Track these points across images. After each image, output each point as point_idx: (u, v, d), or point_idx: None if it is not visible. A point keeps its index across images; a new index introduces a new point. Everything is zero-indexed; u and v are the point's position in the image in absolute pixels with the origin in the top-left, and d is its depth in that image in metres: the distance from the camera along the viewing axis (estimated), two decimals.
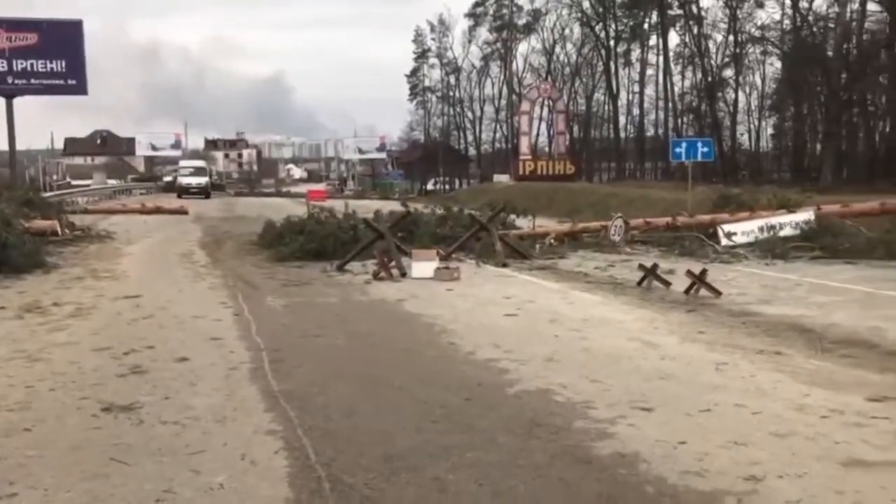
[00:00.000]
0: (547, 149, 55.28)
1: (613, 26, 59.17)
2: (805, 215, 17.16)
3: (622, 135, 61.96)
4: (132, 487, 3.82)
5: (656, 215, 20.06)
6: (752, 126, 58.82)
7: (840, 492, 3.67)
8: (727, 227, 17.03)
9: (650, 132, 61.36)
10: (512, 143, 67.13)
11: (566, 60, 65.85)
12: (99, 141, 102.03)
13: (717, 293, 9.49)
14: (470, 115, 74.42)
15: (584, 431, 4.60)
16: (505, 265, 12.83)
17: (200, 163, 56.49)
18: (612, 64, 59.15)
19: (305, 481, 3.88)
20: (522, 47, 67.90)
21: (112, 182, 61.39)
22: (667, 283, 10.22)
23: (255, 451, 4.32)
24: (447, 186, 75.04)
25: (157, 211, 28.15)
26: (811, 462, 4.04)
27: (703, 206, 21.79)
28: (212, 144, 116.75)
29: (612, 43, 58.61)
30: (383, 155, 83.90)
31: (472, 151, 77.04)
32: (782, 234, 16.57)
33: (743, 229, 17.05)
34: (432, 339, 7.27)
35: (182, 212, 28.32)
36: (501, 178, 49.27)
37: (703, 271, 9.78)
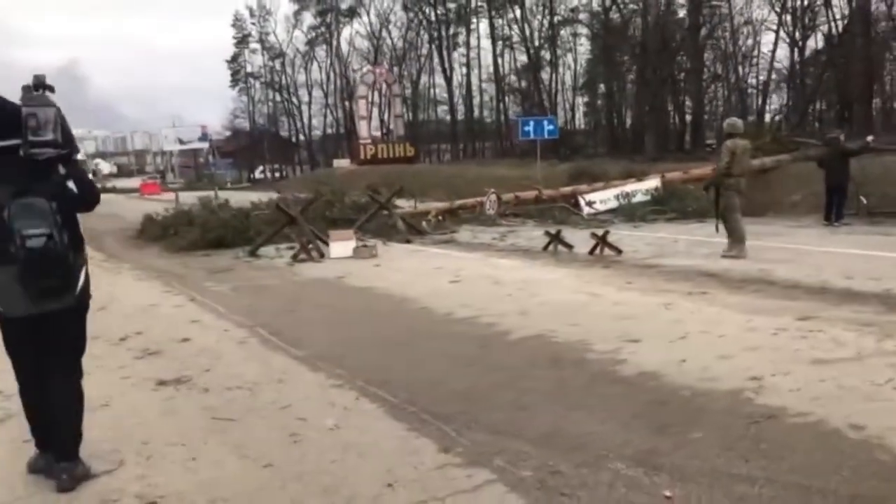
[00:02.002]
0: (380, 132, 56.11)
1: (441, 9, 60.68)
2: (653, 182, 19.18)
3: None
4: (259, 436, 4.30)
5: (511, 191, 21.25)
6: (566, 104, 62.45)
7: (822, 380, 4.80)
8: (588, 197, 18.75)
9: (478, 113, 63.74)
10: (346, 127, 67.40)
11: (391, 44, 66.95)
12: None
13: (619, 251, 10.77)
14: (296, 101, 73.69)
15: (598, 361, 5.51)
16: (409, 241, 13.60)
17: None
18: (443, 46, 60.79)
19: (405, 416, 4.52)
20: (346, 32, 68.23)
21: None
22: (570, 247, 11.40)
23: (338, 400, 4.88)
24: (276, 174, 74.12)
25: None
26: (788, 364, 5.16)
27: (551, 180, 23.55)
28: None
29: (441, 27, 60.17)
30: (206, 145, 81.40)
31: (301, 138, 76.27)
32: (635, 200, 18.47)
33: (601, 198, 18.82)
34: (402, 306, 7.93)
35: None
36: (342, 163, 49.50)
37: (606, 233, 11.05)
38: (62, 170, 3.61)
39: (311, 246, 11.86)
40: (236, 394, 5.14)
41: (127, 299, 8.87)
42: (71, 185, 3.64)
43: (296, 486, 3.62)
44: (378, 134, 54.12)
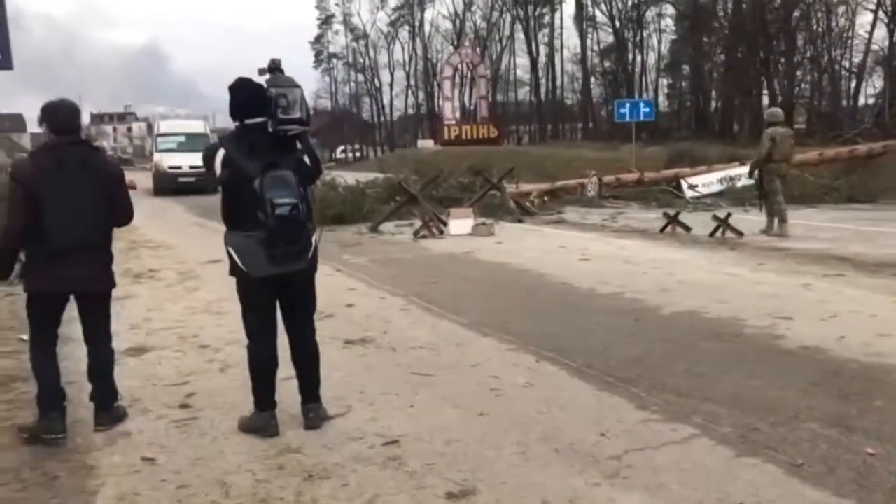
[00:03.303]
0: (460, 114, 56.39)
1: None
2: None
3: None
4: (462, 389, 4.74)
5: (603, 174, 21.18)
6: (649, 86, 61.52)
7: None
8: (690, 180, 18.71)
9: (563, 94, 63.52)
10: (428, 108, 67.95)
11: (473, 25, 67.11)
12: None
13: (740, 234, 10.90)
14: (377, 82, 74.57)
15: (758, 335, 5.79)
16: (521, 220, 13.95)
17: (195, 124, 28.90)
18: (529, 27, 60.71)
19: (590, 378, 4.89)
20: (429, 13, 68.66)
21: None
22: (688, 228, 11.58)
23: (520, 362, 5.30)
24: (356, 154, 75.30)
25: None
26: None
27: (642, 163, 23.51)
28: (98, 119, 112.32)
29: (528, 7, 60.05)
30: None
31: (381, 119, 77.20)
32: (739, 184, 18.34)
33: (704, 181, 18.79)
34: (542, 281, 8.31)
35: (131, 186, 27.86)
36: (426, 144, 50.05)
37: (728, 215, 11.19)
38: (299, 145, 4.02)
39: (431, 223, 12.32)
40: (421, 353, 5.61)
41: None
42: (305, 158, 4.05)
43: (516, 432, 4.05)
44: (459, 115, 54.48)
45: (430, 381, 4.95)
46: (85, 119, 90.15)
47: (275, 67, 3.98)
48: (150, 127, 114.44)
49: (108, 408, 4.31)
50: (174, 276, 9.19)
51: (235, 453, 3.86)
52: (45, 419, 4.04)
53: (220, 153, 3.93)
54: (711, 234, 11.00)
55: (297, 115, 3.89)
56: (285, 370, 4.25)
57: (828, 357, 5.17)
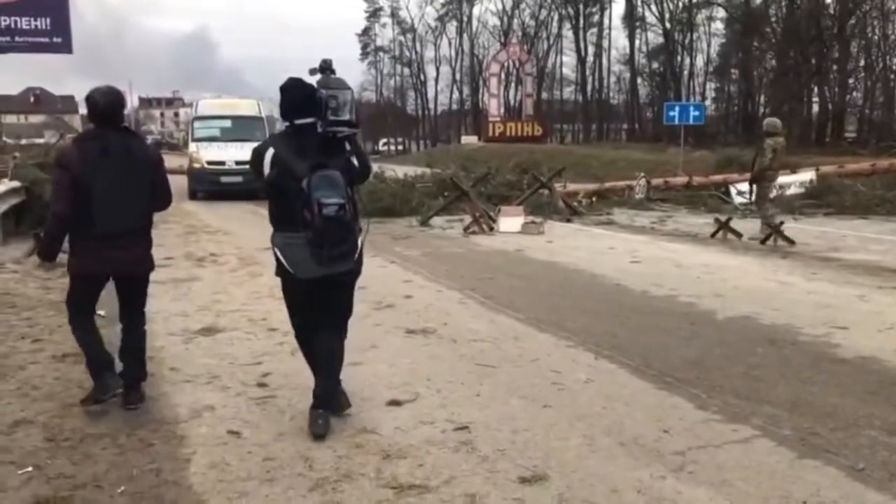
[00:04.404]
0: (504, 111, 56.42)
1: None
2: (808, 175, 18.86)
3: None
4: (525, 382, 4.91)
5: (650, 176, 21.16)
6: (696, 89, 60.93)
7: None
8: (739, 186, 18.58)
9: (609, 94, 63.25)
10: (472, 104, 68.10)
11: (521, 23, 67.08)
12: (32, 99, 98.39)
13: (791, 242, 10.90)
14: (422, 76, 74.89)
15: (814, 343, 5.86)
16: (569, 220, 14.06)
17: (245, 104, 21.43)
18: (578, 26, 60.56)
19: (649, 377, 5.03)
20: (476, 9, 68.75)
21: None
22: (739, 235, 11.60)
23: (579, 359, 5.45)
24: (398, 147, 75.70)
25: None
26: None
27: (689, 166, 23.43)
28: (146, 103, 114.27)
29: (580, 5, 59.90)
30: None
31: (425, 113, 77.49)
32: (789, 192, 18.20)
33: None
34: (595, 281, 8.44)
35: (181, 171, 27.99)
36: (470, 140, 50.23)
37: (781, 223, 11.19)
38: (348, 146, 4.01)
39: (482, 219, 12.49)
40: (482, 345, 5.79)
41: None
42: (353, 160, 4.03)
43: (581, 424, 4.21)
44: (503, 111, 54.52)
45: (493, 372, 5.13)
46: (134, 103, 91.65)
47: (326, 68, 3.97)
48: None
49: (138, 387, 4.42)
50: (235, 262, 9.48)
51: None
52: (99, 382, 4.28)
53: (270, 152, 3.93)
54: (763, 242, 11.01)
55: (346, 116, 3.89)
56: (352, 355, 4.43)
57: (884, 368, 5.24)
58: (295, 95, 3.95)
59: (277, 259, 4.00)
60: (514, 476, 3.55)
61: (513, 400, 4.60)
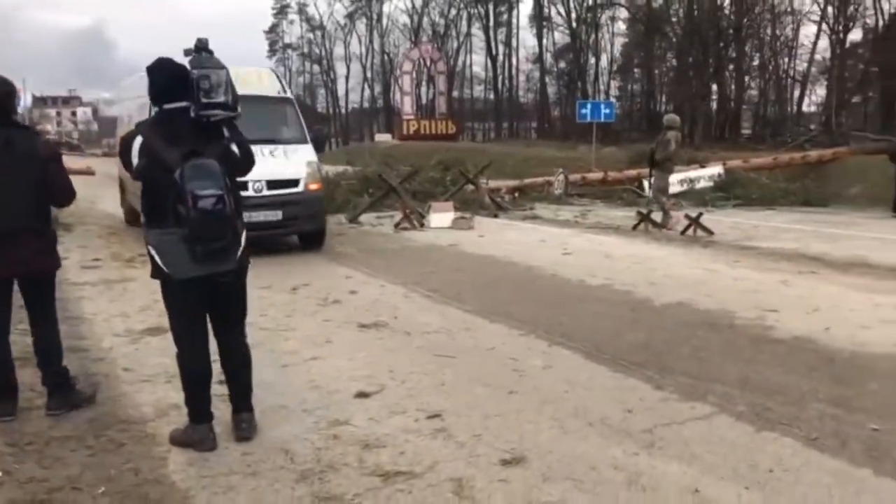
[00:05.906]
0: (417, 109, 56.53)
1: None
2: (716, 169, 19.67)
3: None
4: (487, 370, 5.00)
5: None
6: (601, 87, 62.50)
7: None
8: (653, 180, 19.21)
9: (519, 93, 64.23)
10: (384, 102, 67.92)
11: (431, 21, 67.37)
12: None
13: (711, 232, 11.37)
14: (332, 74, 74.27)
15: (750, 326, 6.17)
16: (496, 216, 14.27)
17: (264, 77, 10.64)
18: (488, 25, 61.26)
19: (603, 361, 5.20)
20: (386, 7, 68.68)
21: None
22: (659, 226, 12.03)
23: (533, 346, 5.58)
24: None
25: None
26: None
27: (602, 163, 24.11)
28: (41, 102, 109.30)
29: (489, 5, 60.56)
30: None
31: (335, 111, 76.85)
32: (698, 186, 18.96)
33: None
34: (532, 273, 8.60)
35: (89, 172, 27.15)
36: (384, 138, 50.03)
37: (700, 214, 11.66)
38: (226, 133, 3.67)
39: (412, 215, 12.53)
40: (437, 337, 5.85)
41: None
42: (234, 148, 3.71)
43: (548, 408, 4.33)
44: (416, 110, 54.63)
45: (452, 362, 5.20)
46: (27, 102, 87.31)
47: (202, 48, 3.62)
48: (95, 112, 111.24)
49: (61, 392, 4.20)
50: None
51: (288, 424, 4.05)
52: None
53: (138, 140, 3.58)
54: (682, 233, 11.45)
55: (221, 98, 3.53)
56: (309, 350, 4.44)
57: (819, 346, 5.57)
58: (164, 76, 3.62)
59: (152, 259, 3.63)
60: (494, 459, 3.63)
61: (478, 388, 4.68)
